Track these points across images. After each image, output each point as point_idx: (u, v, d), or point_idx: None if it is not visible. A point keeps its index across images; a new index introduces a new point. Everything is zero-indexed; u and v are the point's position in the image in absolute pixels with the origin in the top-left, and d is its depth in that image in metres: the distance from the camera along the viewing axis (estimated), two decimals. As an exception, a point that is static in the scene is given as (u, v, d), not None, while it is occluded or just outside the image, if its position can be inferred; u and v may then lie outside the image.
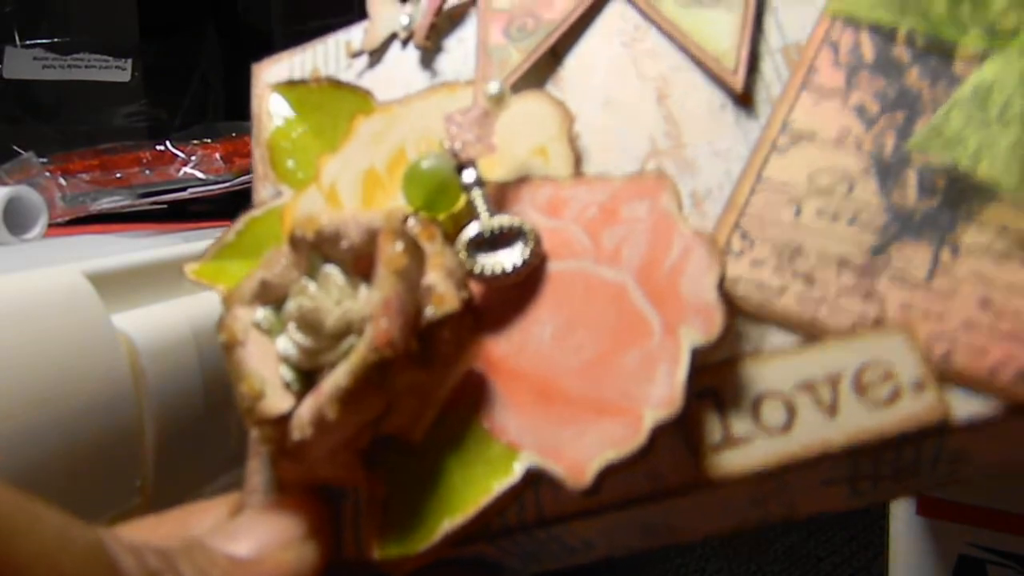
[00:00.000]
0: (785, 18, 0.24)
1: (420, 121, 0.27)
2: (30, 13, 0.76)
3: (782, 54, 0.23)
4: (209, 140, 0.62)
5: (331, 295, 0.21)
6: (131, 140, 0.68)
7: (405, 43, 0.29)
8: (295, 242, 0.22)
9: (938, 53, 0.22)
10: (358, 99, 0.28)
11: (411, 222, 0.22)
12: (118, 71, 0.73)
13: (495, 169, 0.24)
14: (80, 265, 0.31)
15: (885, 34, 0.23)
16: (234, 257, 0.26)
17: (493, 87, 0.24)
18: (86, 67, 0.72)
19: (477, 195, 0.23)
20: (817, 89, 0.23)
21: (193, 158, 0.57)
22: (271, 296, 0.22)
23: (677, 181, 0.22)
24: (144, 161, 0.58)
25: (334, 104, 0.28)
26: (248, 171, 0.56)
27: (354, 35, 0.30)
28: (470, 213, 0.23)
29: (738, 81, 0.23)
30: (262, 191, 0.28)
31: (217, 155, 0.57)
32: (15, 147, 0.58)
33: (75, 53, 0.72)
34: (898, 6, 0.23)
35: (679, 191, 0.22)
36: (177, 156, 0.58)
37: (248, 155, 0.58)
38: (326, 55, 0.30)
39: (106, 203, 0.54)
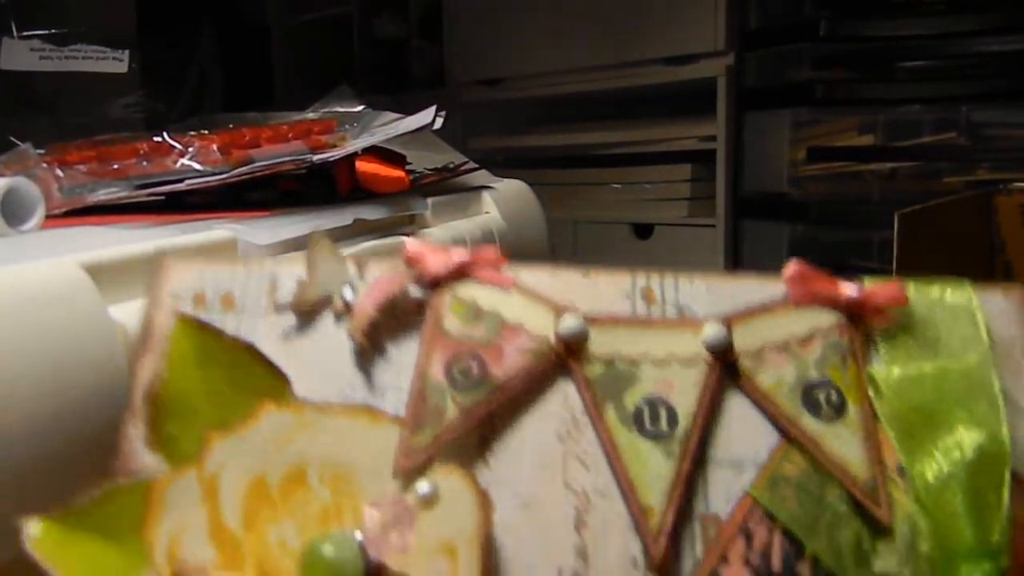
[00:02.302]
0: (714, 480, 0.24)
1: (331, 444, 0.24)
2: (27, 4, 0.76)
3: (701, 524, 0.24)
4: (206, 131, 0.62)
5: None
6: (128, 131, 0.68)
7: (339, 318, 0.26)
8: None
9: None
10: (273, 382, 0.25)
11: None
12: (115, 62, 0.72)
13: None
14: (77, 256, 0.31)
15: (796, 542, 0.23)
16: (83, 529, 0.23)
17: (424, 488, 0.22)
18: (83, 58, 0.72)
19: None
20: None
21: (190, 149, 0.57)
22: None
23: None
24: (141, 152, 0.58)
25: (243, 374, 0.25)
26: (247, 162, 0.56)
27: (282, 276, 0.26)
28: None
29: (657, 551, 0.23)
30: (134, 454, 0.24)
31: (214, 146, 0.57)
32: (12, 138, 0.57)
33: (72, 44, 0.72)
34: (810, 524, 0.23)
35: None
36: (174, 147, 0.58)
37: (246, 146, 0.58)
38: (246, 286, 0.26)
39: (103, 194, 0.54)
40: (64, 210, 0.53)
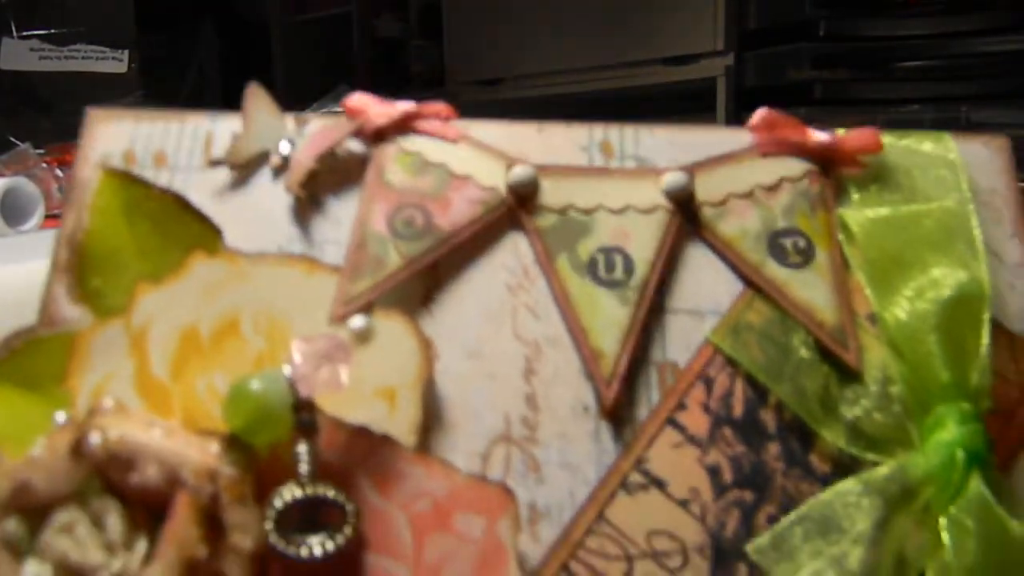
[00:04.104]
0: (672, 328, 0.23)
1: (266, 291, 0.23)
2: (27, 4, 0.76)
3: (657, 371, 0.23)
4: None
5: (101, 542, 0.18)
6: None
7: (277, 173, 0.25)
8: (80, 453, 0.18)
9: (799, 436, 0.22)
10: (203, 232, 0.24)
11: (221, 472, 0.19)
12: (115, 62, 0.73)
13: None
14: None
15: (759, 389, 0.23)
16: (1, 379, 0.22)
17: (358, 322, 0.22)
18: (83, 58, 0.72)
19: (303, 450, 0.20)
20: (681, 429, 0.22)
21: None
22: (30, 503, 0.18)
23: (520, 482, 0.21)
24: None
25: (173, 225, 0.24)
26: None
27: (219, 129, 0.25)
28: (292, 447, 0.20)
29: (610, 396, 0.22)
30: (59, 304, 0.23)
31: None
32: (12, 138, 0.57)
33: (72, 44, 0.72)
34: (775, 371, 0.23)
35: (519, 516, 0.21)
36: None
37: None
38: (180, 140, 0.25)
39: (103, 195, 0.54)
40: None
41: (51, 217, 0.50)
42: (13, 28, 0.73)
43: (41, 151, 0.57)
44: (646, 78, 1.35)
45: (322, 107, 0.71)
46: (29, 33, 0.73)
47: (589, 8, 1.40)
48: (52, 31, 0.73)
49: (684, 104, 1.33)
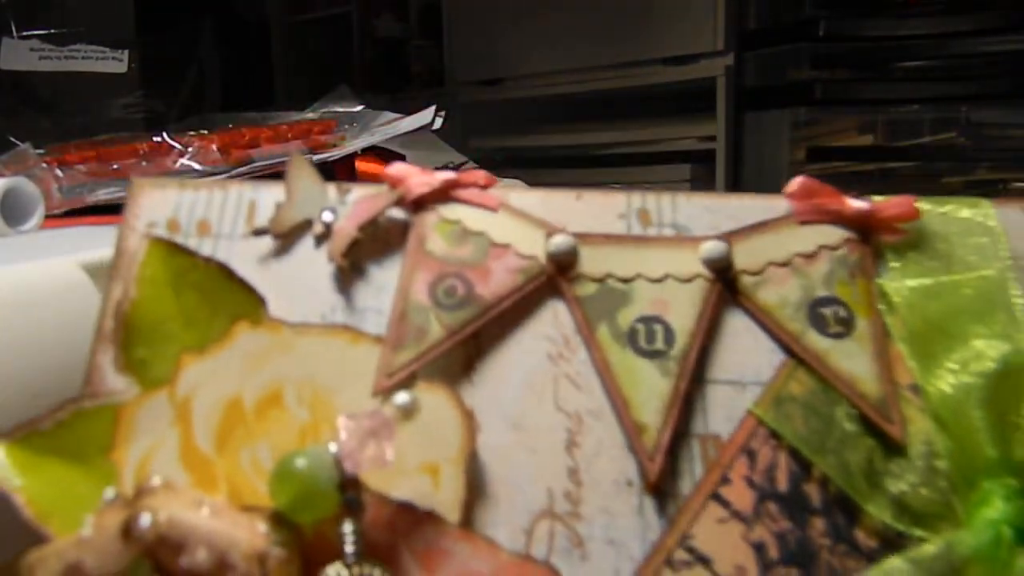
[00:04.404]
0: (713, 399, 0.23)
1: (309, 362, 0.23)
2: (27, 4, 0.76)
3: (699, 443, 0.23)
4: (206, 131, 0.62)
5: None
6: (128, 131, 0.68)
7: (320, 241, 0.25)
8: (131, 535, 0.18)
9: (845, 511, 0.22)
10: (247, 302, 0.24)
11: (270, 554, 0.19)
12: (115, 62, 0.72)
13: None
14: (77, 257, 0.31)
15: (803, 462, 0.22)
16: (47, 453, 0.22)
17: (402, 397, 0.22)
18: (83, 58, 0.72)
19: (349, 529, 0.20)
20: (725, 504, 0.22)
21: (190, 149, 0.57)
22: None
23: (565, 559, 0.21)
24: (141, 152, 0.58)
25: (217, 295, 0.24)
26: (247, 162, 0.56)
27: (263, 197, 0.26)
28: (338, 524, 0.20)
29: (653, 470, 0.22)
30: (105, 375, 0.23)
31: (214, 146, 0.57)
32: (12, 138, 0.58)
33: (72, 44, 0.72)
34: (818, 444, 0.22)
35: None
36: (174, 147, 0.58)
37: (245, 146, 0.58)
38: (223, 209, 0.26)
39: (103, 194, 0.54)
40: (64, 210, 0.53)
41: (51, 217, 0.50)
42: (13, 28, 0.73)
43: (41, 151, 0.57)
44: (646, 78, 1.35)
45: (322, 107, 0.71)
46: (29, 33, 0.73)
47: (589, 8, 1.40)
48: (52, 31, 0.73)
49: (684, 104, 1.33)
